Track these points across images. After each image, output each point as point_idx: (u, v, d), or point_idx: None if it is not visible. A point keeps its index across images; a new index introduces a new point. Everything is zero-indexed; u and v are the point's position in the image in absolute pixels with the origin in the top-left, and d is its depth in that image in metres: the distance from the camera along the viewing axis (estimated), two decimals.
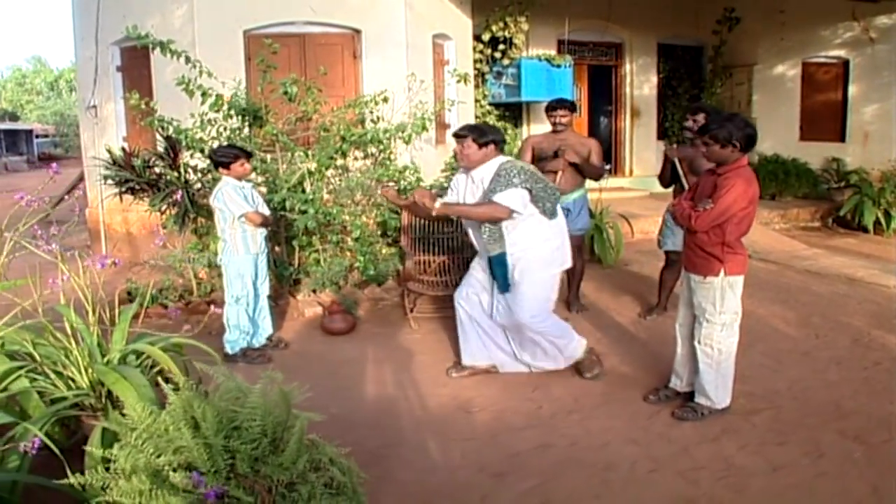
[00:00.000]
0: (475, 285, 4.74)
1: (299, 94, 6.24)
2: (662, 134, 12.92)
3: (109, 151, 6.43)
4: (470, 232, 4.72)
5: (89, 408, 3.50)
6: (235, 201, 4.91)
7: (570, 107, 6.03)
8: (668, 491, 3.23)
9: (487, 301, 4.70)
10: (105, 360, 3.54)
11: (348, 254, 6.63)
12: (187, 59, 5.94)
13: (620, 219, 8.82)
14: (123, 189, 6.31)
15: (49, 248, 3.71)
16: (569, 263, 4.75)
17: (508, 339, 4.72)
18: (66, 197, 10.93)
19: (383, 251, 6.71)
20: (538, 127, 11.71)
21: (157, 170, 6.26)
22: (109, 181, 6.34)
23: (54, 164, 3.85)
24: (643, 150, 12.74)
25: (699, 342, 4.00)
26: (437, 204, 4.36)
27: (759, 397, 4.23)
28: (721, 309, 3.92)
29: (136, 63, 8.22)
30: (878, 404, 4.10)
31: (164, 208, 6.20)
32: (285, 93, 6.06)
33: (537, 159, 6.07)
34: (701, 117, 5.28)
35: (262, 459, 2.49)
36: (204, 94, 6.00)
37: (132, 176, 6.17)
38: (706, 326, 3.97)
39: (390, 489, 3.25)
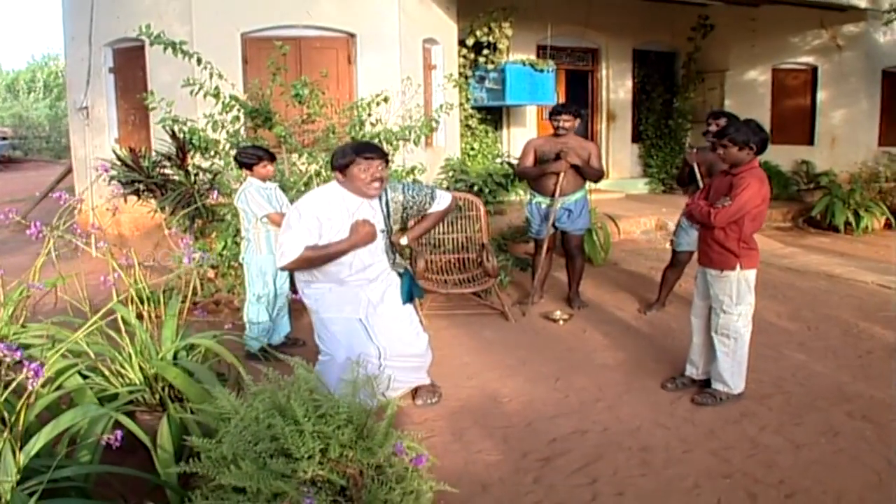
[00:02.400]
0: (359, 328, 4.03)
1: (306, 96, 6.37)
2: (637, 137, 13.25)
3: (115, 152, 6.49)
4: (369, 257, 3.97)
5: (142, 403, 3.60)
6: (258, 202, 5.02)
7: (575, 112, 6.27)
8: (704, 468, 3.46)
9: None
10: (159, 356, 3.64)
11: None
12: (199, 61, 6.03)
13: (607, 219, 9.11)
14: (130, 190, 6.36)
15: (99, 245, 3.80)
16: None
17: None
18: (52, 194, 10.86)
19: None
20: (518, 130, 11.97)
21: (165, 170, 6.33)
22: (114, 182, 6.37)
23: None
24: (619, 153, 13.06)
25: (716, 332, 4.25)
26: (404, 241, 4.28)
27: (768, 384, 4.51)
28: (737, 300, 4.18)
29: (129, 64, 8.24)
30: (877, 388, 4.40)
31: (172, 210, 6.27)
32: (297, 94, 6.18)
33: (539, 161, 6.28)
34: (723, 121, 5.58)
35: (349, 445, 2.64)
36: (216, 96, 6.09)
37: (141, 177, 6.23)
38: (723, 317, 4.22)
39: (442, 475, 3.40)
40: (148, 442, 2.84)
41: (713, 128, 5.72)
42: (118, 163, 6.39)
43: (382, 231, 3.98)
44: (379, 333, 3.98)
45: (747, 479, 3.34)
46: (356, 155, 3.77)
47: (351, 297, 3.97)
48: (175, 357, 3.71)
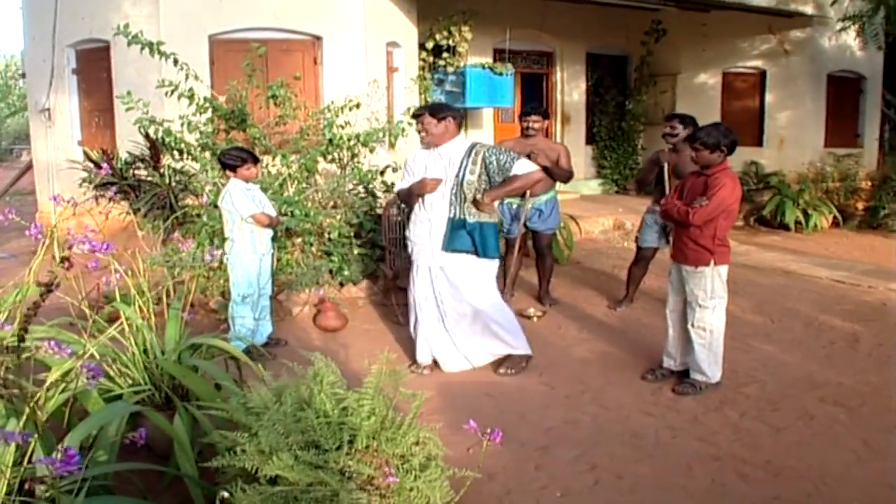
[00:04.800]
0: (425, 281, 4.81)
1: (282, 97, 6.42)
2: (591, 139, 13.55)
3: (86, 153, 6.44)
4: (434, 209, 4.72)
5: (148, 402, 3.63)
6: (244, 202, 5.07)
7: (544, 114, 6.46)
8: (694, 452, 3.66)
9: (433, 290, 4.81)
10: (164, 355, 3.67)
11: (310, 255, 6.81)
12: (175, 62, 6.04)
13: (569, 219, 9.33)
14: (102, 192, 6.32)
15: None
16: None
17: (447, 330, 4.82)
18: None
19: (355, 251, 6.93)
20: (476, 132, 12.12)
21: (138, 172, 6.31)
22: (86, 183, 6.34)
23: None
24: (574, 155, 13.16)
25: (693, 325, 4.47)
26: (486, 199, 4.64)
27: (741, 373, 4.75)
28: (712, 294, 4.41)
29: (92, 66, 8.15)
30: (844, 376, 4.68)
31: (145, 211, 6.25)
32: (273, 96, 6.23)
33: None
34: (676, 123, 5.84)
35: (373, 436, 2.74)
36: (190, 98, 6.10)
37: (114, 179, 6.21)
38: (699, 311, 4.44)
39: (448, 465, 3.53)
40: (178, 438, 2.89)
41: (668, 130, 5.98)
42: (90, 164, 6.36)
43: (456, 179, 4.66)
44: (441, 289, 4.75)
45: (736, 461, 3.56)
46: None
47: (423, 241, 4.76)
48: (180, 357, 3.75)
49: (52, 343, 2.14)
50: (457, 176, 4.66)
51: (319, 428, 2.62)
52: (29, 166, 10.37)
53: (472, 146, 4.73)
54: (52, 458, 1.83)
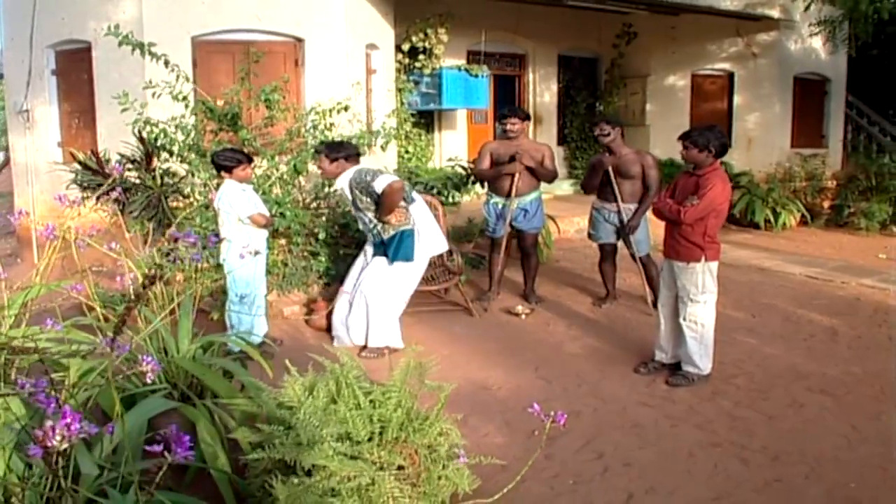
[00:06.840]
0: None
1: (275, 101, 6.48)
2: (563, 140, 13.74)
3: (73, 155, 6.42)
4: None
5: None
6: (242, 203, 5.13)
7: (522, 115, 6.57)
8: (694, 439, 3.84)
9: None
10: (180, 354, 3.73)
11: (297, 256, 6.88)
12: (166, 63, 6.08)
13: (548, 219, 9.49)
14: (89, 195, 6.30)
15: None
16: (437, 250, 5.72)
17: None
18: None
19: (341, 251, 7.00)
20: (450, 133, 12.25)
21: (128, 173, 6.30)
22: (73, 186, 6.31)
23: None
24: None
25: (684, 319, 4.64)
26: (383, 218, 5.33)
27: (729, 365, 4.94)
28: (702, 290, 4.59)
29: (73, 67, 8.08)
30: (827, 367, 4.91)
31: (137, 213, 6.24)
32: (266, 100, 6.28)
33: (495, 163, 6.56)
34: (604, 124, 6.18)
35: (401, 427, 2.84)
36: (184, 99, 6.13)
37: (106, 180, 6.19)
38: (690, 305, 4.62)
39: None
40: (210, 433, 2.96)
41: (598, 131, 6.18)
42: (77, 166, 6.34)
43: (354, 205, 5.42)
44: (363, 276, 5.47)
45: (735, 447, 3.74)
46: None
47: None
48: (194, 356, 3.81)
49: (106, 340, 2.20)
50: (353, 203, 5.39)
51: (352, 420, 2.72)
52: (2, 167, 10.24)
53: (356, 171, 5.29)
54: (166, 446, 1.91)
